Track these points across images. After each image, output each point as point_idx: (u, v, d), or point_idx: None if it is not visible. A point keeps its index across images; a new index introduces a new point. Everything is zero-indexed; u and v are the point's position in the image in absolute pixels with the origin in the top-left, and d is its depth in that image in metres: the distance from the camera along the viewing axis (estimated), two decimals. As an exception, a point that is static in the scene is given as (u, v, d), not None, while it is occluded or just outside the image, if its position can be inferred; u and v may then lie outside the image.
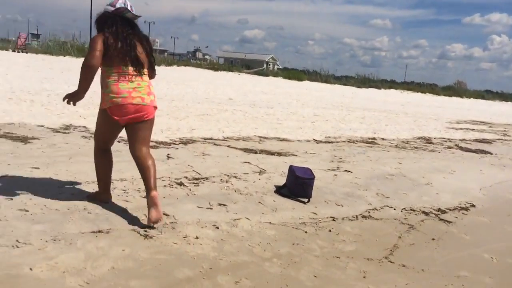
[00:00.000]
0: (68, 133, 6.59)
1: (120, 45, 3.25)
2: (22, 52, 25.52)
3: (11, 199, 3.43)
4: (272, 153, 6.50)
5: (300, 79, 36.13)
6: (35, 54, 25.89)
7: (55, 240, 2.83)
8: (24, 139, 5.66)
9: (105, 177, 3.64)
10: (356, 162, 6.58)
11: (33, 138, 5.83)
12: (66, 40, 30.62)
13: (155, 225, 3.17)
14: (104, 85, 3.37)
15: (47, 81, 13.34)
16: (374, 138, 9.39)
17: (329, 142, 8.26)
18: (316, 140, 8.40)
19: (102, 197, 3.63)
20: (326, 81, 37.31)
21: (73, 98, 3.40)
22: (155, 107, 3.51)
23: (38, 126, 6.84)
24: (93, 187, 3.96)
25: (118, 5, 3.30)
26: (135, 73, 3.35)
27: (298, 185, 4.43)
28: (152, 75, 3.61)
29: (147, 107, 3.39)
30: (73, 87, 11.08)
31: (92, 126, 7.26)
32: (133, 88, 3.32)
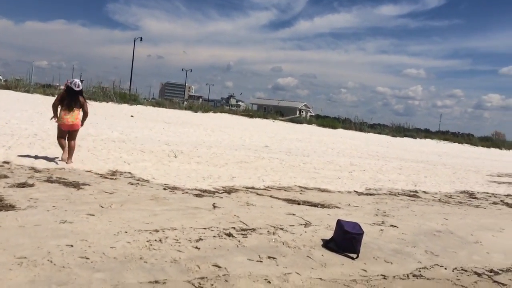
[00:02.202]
0: (115, 179, 6.80)
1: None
2: (68, 97, 26.80)
3: (72, 246, 3.55)
4: (315, 205, 6.49)
5: (334, 126, 36.20)
6: (79, 99, 27.16)
7: (115, 289, 2.90)
8: (76, 185, 5.89)
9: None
10: (401, 216, 6.47)
11: (84, 184, 6.05)
12: (108, 86, 32.05)
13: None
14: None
15: (92, 126, 13.89)
16: (415, 191, 9.23)
17: (370, 194, 8.18)
18: (357, 191, 8.34)
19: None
20: (360, 129, 37.22)
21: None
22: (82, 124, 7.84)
23: (86, 171, 7.10)
24: (146, 236, 4.05)
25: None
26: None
27: (346, 240, 4.39)
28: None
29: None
30: (116, 132, 11.59)
31: (137, 172, 7.54)
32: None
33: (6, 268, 3.00)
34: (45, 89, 30.07)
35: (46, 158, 7.60)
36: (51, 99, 24.10)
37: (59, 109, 7.48)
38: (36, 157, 7.59)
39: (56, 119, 7.51)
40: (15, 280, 2.85)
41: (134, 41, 46.67)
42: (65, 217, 4.32)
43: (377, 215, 6.38)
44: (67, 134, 7.59)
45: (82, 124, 7.78)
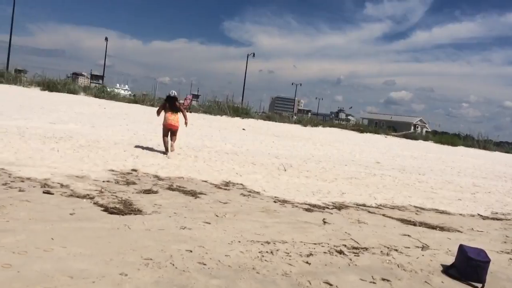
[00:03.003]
0: (228, 189, 7.09)
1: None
2: (187, 111, 28.85)
3: (191, 251, 3.78)
4: (433, 227, 6.06)
5: (454, 144, 33.56)
6: (196, 113, 29.03)
7: (230, 297, 3.00)
8: (194, 194, 6.26)
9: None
10: (535, 246, 5.73)
11: (201, 193, 6.41)
12: (222, 100, 33.85)
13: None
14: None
15: (207, 138, 14.73)
16: (553, 218, 8.12)
17: (497, 219, 7.41)
18: (481, 215, 7.61)
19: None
20: (484, 147, 34.01)
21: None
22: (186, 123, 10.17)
23: (202, 181, 7.52)
24: (257, 247, 4.14)
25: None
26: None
27: (470, 268, 4.02)
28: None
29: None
30: (230, 145, 12.06)
31: (249, 184, 7.78)
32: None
33: (135, 267, 3.29)
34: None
35: (167, 167, 8.23)
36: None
37: (162, 113, 10.00)
38: (159, 165, 8.26)
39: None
40: (142, 280, 3.10)
41: (247, 57, 48.63)
42: (185, 224, 4.62)
43: (505, 242, 5.74)
44: (169, 133, 9.83)
45: (186, 125, 10.32)
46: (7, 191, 5.10)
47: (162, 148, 10.67)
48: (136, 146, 10.38)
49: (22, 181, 5.68)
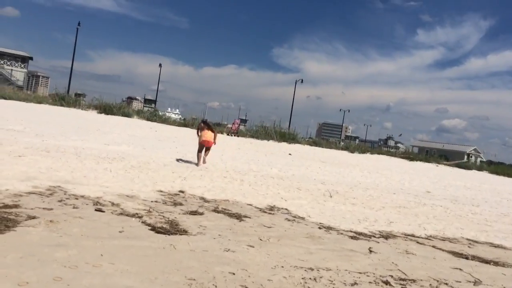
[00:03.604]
0: (273, 214, 7.08)
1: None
2: (234, 136, 29.32)
3: (233, 274, 3.80)
4: (487, 261, 5.74)
5: (510, 175, 31.88)
6: (243, 138, 29.44)
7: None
8: (239, 217, 6.31)
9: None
10: None
11: (245, 216, 6.46)
12: (269, 125, 34.18)
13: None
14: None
15: (254, 162, 14.85)
16: None
17: (559, 256, 6.90)
18: (541, 251, 7.12)
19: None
20: (544, 179, 32.01)
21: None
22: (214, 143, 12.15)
23: (247, 204, 7.56)
24: (301, 273, 4.10)
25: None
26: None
27: (528, 307, 3.77)
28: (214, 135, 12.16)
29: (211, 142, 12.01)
30: (275, 169, 12.10)
31: (294, 209, 7.74)
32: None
33: (178, 287, 3.35)
34: (215, 127, 33.38)
35: (213, 189, 8.37)
36: (221, 137, 26.19)
37: (200, 132, 12.20)
38: (206, 188, 8.41)
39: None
40: (186, 299, 3.15)
41: (295, 83, 49.06)
42: (229, 246, 4.66)
43: None
44: (204, 149, 11.87)
45: (215, 143, 12.16)
46: (62, 207, 5.38)
47: (210, 170, 10.87)
48: (184, 168, 10.65)
49: (76, 199, 5.97)
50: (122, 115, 29.74)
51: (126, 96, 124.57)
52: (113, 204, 5.99)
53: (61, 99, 32.19)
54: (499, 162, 44.91)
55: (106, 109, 30.44)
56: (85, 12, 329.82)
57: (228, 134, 29.72)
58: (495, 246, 7.03)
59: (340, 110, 74.71)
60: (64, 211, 5.20)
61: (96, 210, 5.49)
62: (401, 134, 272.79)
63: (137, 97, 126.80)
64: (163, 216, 5.65)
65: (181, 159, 12.31)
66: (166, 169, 10.15)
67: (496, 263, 5.74)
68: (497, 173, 32.20)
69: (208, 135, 11.85)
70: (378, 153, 34.27)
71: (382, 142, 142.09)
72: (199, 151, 11.77)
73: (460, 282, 4.62)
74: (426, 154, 44.39)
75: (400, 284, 4.22)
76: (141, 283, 3.31)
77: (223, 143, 21.54)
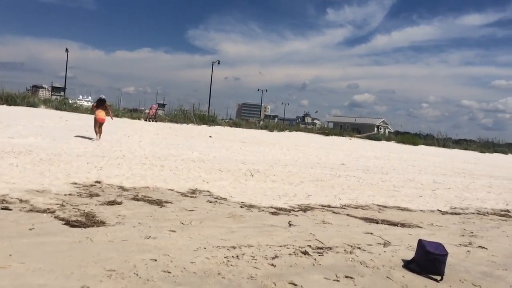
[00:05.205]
0: (195, 197, 7.07)
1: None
2: (152, 121, 28.50)
3: (155, 260, 3.76)
4: (394, 224, 6.25)
5: (415, 143, 34.67)
6: (162, 122, 28.73)
7: (195, 303, 3.00)
8: (160, 203, 6.22)
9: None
10: (491, 237, 6.01)
11: (166, 202, 6.37)
12: (188, 108, 33.70)
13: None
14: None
15: (174, 147, 14.62)
16: (507, 211, 8.54)
17: (456, 214, 7.71)
18: (441, 210, 7.90)
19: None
20: (444, 146, 35.30)
21: None
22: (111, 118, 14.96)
23: (168, 190, 7.47)
24: (223, 252, 4.16)
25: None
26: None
27: (429, 261, 4.17)
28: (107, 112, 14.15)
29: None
30: (196, 152, 11.98)
31: (215, 191, 7.78)
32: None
33: (97, 279, 3.25)
34: (132, 113, 32.23)
35: (132, 177, 8.13)
36: (138, 123, 25.31)
37: (95, 110, 13.89)
38: (124, 176, 8.14)
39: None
40: (105, 291, 3.07)
41: (212, 64, 48.56)
42: (149, 233, 4.59)
43: (463, 235, 5.99)
44: (99, 125, 13.69)
45: (112, 118, 14.80)
46: (-38, 209, 4.92)
47: (127, 158, 10.54)
48: (99, 157, 10.19)
49: (-22, 198, 5.49)
50: (27, 105, 27.51)
51: (31, 84, 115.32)
52: (21, 201, 5.59)
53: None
54: (405, 132, 48.53)
55: (8, 99, 27.96)
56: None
57: (145, 120, 28.82)
58: (402, 209, 7.66)
59: (258, 90, 75.97)
60: (-37, 213, 4.76)
61: (2, 208, 5.09)
62: (317, 111, 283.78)
63: (43, 86, 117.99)
64: (78, 209, 5.39)
65: (96, 148, 11.76)
66: (80, 159, 9.65)
67: (402, 225, 6.26)
68: (403, 142, 34.84)
69: (101, 113, 13.73)
70: (296, 130, 35.39)
71: (300, 120, 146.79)
72: (95, 126, 13.78)
73: (371, 245, 4.99)
74: (340, 129, 46.70)
75: (318, 253, 4.45)
76: (56, 280, 3.16)
77: (141, 129, 20.90)
